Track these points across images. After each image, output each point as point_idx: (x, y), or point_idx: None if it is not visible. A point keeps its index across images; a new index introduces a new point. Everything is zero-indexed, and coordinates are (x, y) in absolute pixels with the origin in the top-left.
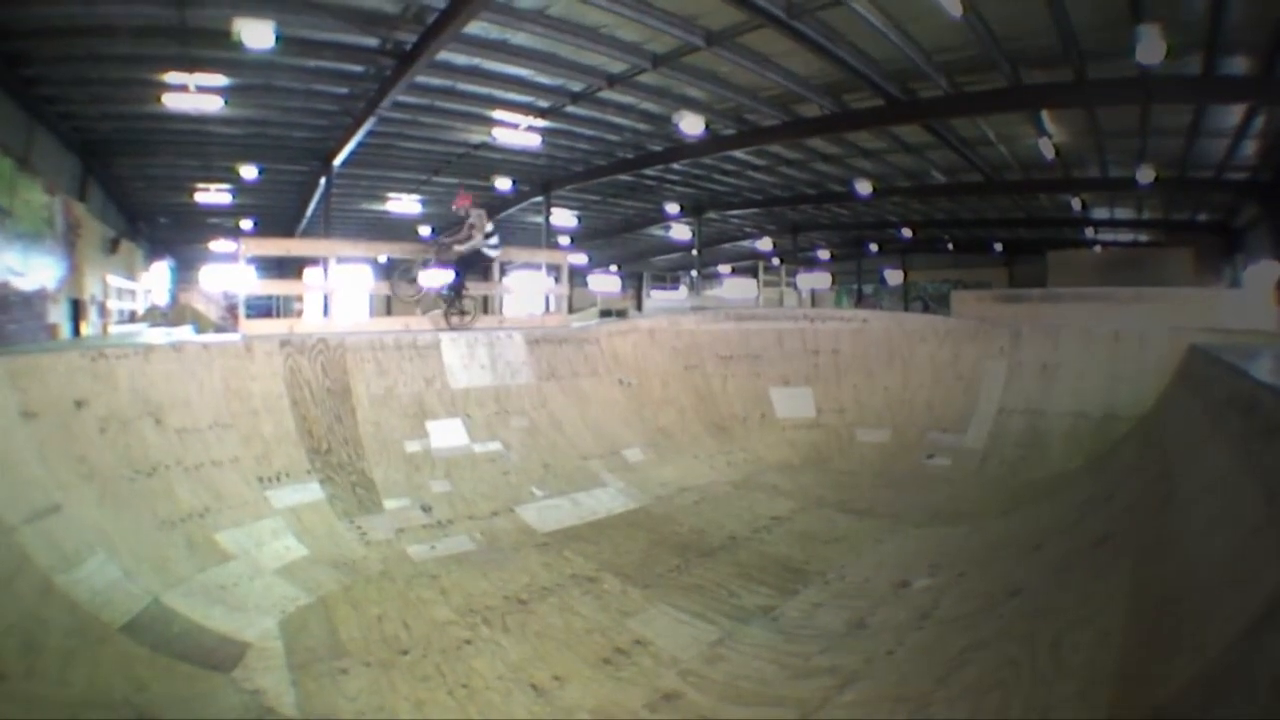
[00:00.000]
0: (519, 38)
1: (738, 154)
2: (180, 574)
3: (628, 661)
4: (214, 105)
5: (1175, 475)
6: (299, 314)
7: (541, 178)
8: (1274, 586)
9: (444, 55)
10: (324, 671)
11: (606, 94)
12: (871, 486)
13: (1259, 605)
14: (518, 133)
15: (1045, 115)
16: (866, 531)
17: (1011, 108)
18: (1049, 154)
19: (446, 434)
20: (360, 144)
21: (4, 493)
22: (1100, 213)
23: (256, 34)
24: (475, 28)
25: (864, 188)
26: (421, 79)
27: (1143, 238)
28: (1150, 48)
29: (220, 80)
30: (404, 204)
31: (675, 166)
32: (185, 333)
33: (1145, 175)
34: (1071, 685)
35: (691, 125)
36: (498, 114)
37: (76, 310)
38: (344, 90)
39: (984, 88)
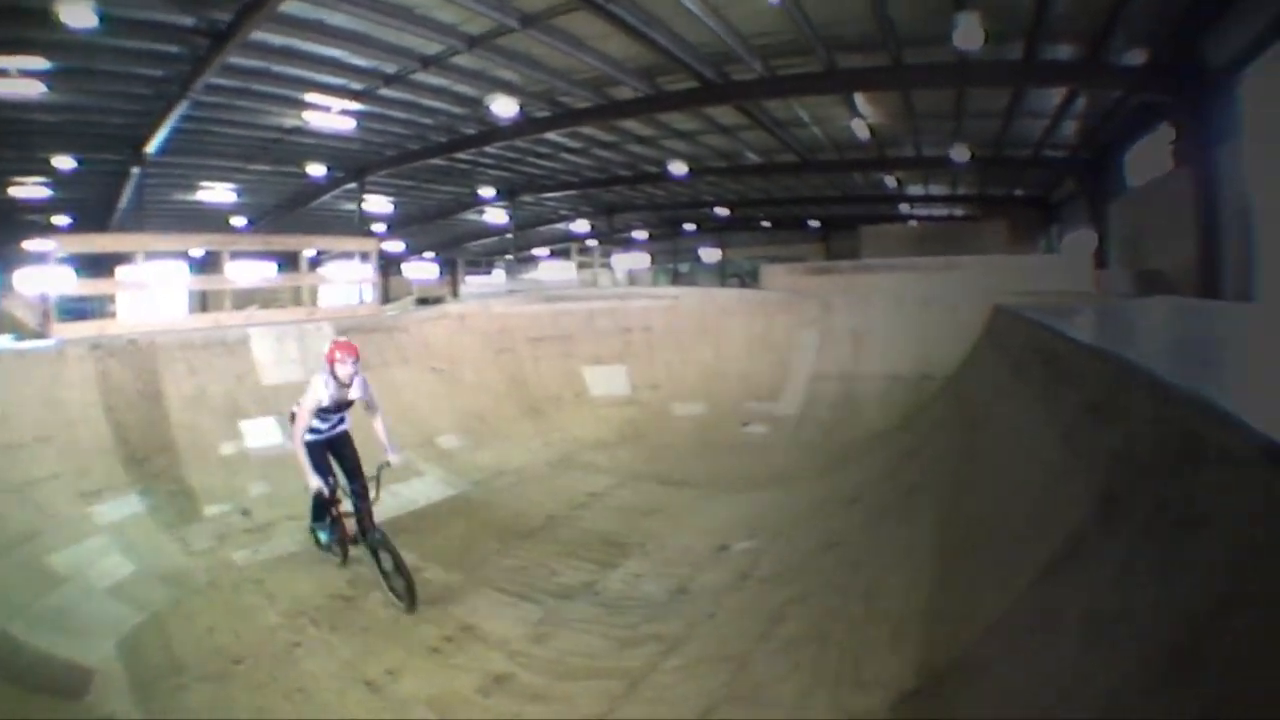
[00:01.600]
0: (336, 18)
1: (552, 136)
2: (20, 601)
3: (456, 649)
4: (36, 90)
5: (980, 425)
6: (113, 315)
7: (355, 163)
8: (1074, 525)
9: (259, 35)
10: (165, 689)
11: (420, 76)
12: (689, 458)
13: (1060, 543)
14: (330, 116)
15: (860, 98)
16: (685, 501)
17: (826, 90)
18: (863, 135)
19: (261, 433)
20: (174, 130)
21: None
22: (915, 189)
23: (77, 13)
24: (292, 6)
25: (678, 169)
26: (236, 60)
27: (958, 212)
28: (969, 34)
29: (42, 64)
30: (217, 193)
31: (489, 150)
32: (4, 342)
33: (960, 154)
34: (884, 629)
35: (504, 107)
36: (311, 97)
37: None
38: (158, 73)
39: (799, 71)
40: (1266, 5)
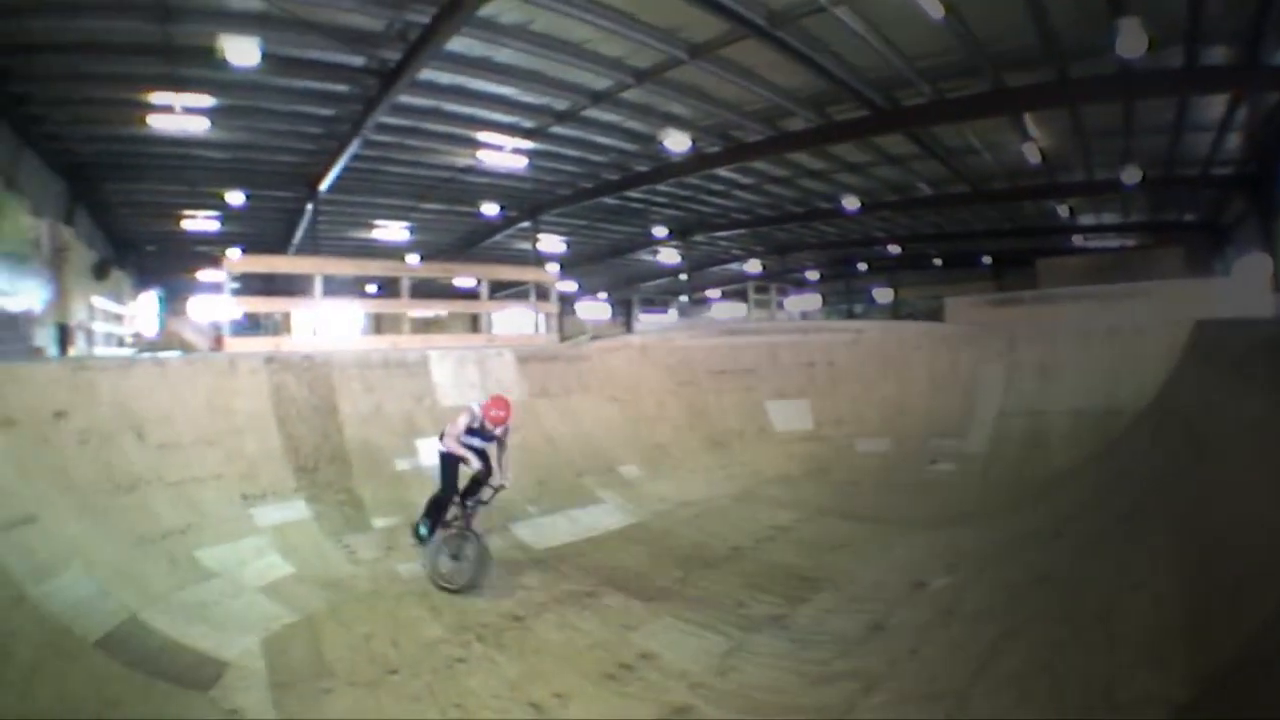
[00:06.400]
0: (503, 55)
1: (723, 172)
2: (159, 590)
3: (633, 676)
4: (200, 126)
5: (1200, 437)
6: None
7: (528, 202)
8: None
9: (428, 74)
10: (307, 691)
11: (591, 112)
12: (874, 494)
13: None
14: (503, 155)
15: (1029, 118)
16: (874, 537)
17: (995, 112)
18: (1034, 159)
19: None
20: (345, 168)
21: None
22: (1087, 219)
23: (241, 51)
24: (458, 44)
25: (850, 203)
26: (406, 99)
27: (1130, 241)
28: (1131, 41)
29: (206, 101)
30: (391, 231)
31: (661, 188)
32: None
33: (1131, 175)
34: (1129, 652)
35: (677, 143)
36: (483, 135)
37: (64, 335)
38: (329, 112)
39: (967, 93)
40: None
